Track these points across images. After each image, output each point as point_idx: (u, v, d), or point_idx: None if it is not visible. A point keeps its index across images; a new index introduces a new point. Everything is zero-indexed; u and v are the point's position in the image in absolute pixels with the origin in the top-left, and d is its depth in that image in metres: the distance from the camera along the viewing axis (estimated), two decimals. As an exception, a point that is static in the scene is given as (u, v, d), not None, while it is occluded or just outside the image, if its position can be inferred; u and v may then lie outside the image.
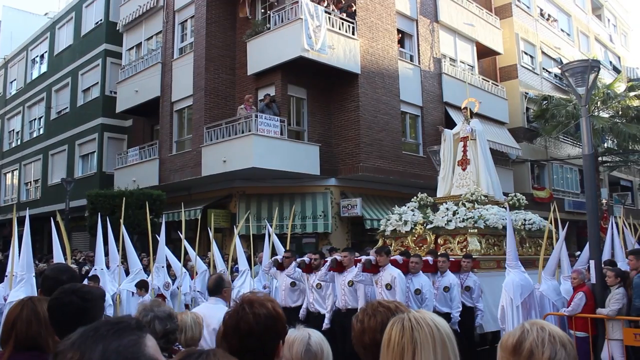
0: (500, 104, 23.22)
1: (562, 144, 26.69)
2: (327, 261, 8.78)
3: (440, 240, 10.48)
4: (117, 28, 22.35)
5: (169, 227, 16.20)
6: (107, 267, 10.80)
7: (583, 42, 30.94)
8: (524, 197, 11.98)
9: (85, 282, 9.09)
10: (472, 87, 21.88)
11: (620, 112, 23.76)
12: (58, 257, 8.80)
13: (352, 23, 17.59)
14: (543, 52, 27.05)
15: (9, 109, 31.09)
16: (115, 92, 22.07)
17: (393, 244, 10.99)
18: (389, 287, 7.85)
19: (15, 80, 31.42)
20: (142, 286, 9.37)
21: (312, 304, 8.99)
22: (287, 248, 10.76)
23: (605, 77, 25.69)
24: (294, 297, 9.40)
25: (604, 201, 21.41)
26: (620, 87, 24.58)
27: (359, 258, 8.60)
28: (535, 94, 25.12)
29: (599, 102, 23.10)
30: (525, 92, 25.04)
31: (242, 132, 15.86)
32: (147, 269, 11.54)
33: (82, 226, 20.56)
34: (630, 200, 31.26)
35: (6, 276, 8.41)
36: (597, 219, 8.37)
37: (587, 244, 9.00)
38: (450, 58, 21.72)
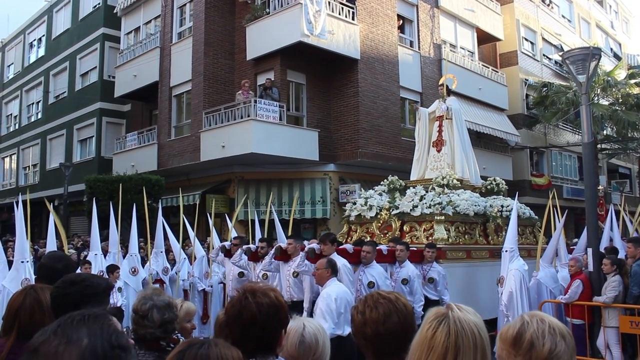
0: (500, 91, 23.17)
1: (562, 131, 26.67)
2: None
3: (406, 227, 9.59)
4: (115, 12, 22.18)
5: (167, 212, 16.25)
6: (107, 251, 10.84)
7: (584, 28, 30.79)
8: (503, 182, 11.02)
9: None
10: (472, 73, 21.84)
11: (620, 100, 23.72)
12: (51, 243, 8.75)
13: (352, 8, 17.48)
14: (544, 39, 26.92)
15: (7, 92, 30.96)
16: (113, 77, 21.96)
17: (358, 230, 10.19)
18: None
19: (12, 64, 31.26)
20: (113, 270, 9.13)
21: None
22: (290, 234, 10.66)
23: (606, 64, 25.60)
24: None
25: (600, 188, 21.45)
26: (621, 75, 24.51)
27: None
28: (535, 81, 25.04)
29: (599, 90, 23.05)
30: (525, 79, 24.97)
31: (241, 118, 15.82)
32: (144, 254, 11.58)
33: (80, 211, 20.58)
34: (629, 187, 31.31)
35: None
36: (595, 207, 8.40)
37: (583, 231, 9.05)
38: (450, 44, 21.61)
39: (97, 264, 9.39)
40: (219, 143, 16.14)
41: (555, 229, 9.61)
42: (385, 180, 10.60)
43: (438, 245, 8.68)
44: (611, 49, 33.25)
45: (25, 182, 27.70)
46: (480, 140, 21.89)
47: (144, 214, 10.83)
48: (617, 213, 11.13)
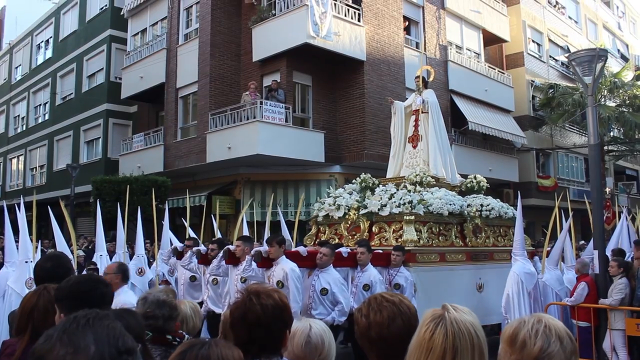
0: (506, 92, 23.13)
1: (568, 132, 26.58)
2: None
3: (375, 228, 8.80)
4: (122, 13, 22.27)
5: (174, 213, 16.30)
6: (113, 252, 10.90)
7: (591, 29, 30.69)
8: (484, 180, 10.14)
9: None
10: (478, 75, 21.82)
11: (627, 101, 23.63)
12: (60, 244, 8.80)
13: (358, 10, 17.50)
14: (550, 40, 26.84)
15: (15, 94, 31.11)
16: (120, 78, 22.06)
17: (327, 232, 9.44)
18: (280, 284, 6.47)
19: (20, 65, 31.41)
20: None
21: (206, 301, 7.72)
22: (295, 235, 10.61)
23: (613, 65, 25.52)
24: (194, 292, 8.31)
25: (607, 190, 21.36)
26: (628, 76, 24.39)
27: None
28: (542, 82, 24.96)
29: (605, 91, 22.97)
30: (532, 80, 24.91)
31: (247, 119, 15.86)
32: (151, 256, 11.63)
33: (87, 212, 20.67)
34: (636, 189, 31.15)
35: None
36: (601, 210, 8.39)
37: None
38: (456, 45, 21.60)
39: (103, 265, 9.43)
40: (225, 144, 16.19)
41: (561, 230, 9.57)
42: (357, 178, 9.81)
43: (407, 248, 7.93)
44: (618, 50, 33.11)
45: (32, 183, 27.84)
46: (486, 141, 21.87)
47: (151, 215, 10.87)
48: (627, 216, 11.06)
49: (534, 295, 8.07)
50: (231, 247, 7.32)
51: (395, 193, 8.69)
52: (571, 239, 9.91)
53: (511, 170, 22.47)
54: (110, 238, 12.92)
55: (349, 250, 7.57)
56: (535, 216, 22.28)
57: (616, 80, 22.97)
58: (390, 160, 10.59)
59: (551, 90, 23.94)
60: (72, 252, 9.22)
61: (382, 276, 7.55)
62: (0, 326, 6.85)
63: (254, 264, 6.84)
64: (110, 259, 10.35)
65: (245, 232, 10.95)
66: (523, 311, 7.64)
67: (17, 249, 7.92)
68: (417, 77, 10.55)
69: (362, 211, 8.83)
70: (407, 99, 18.83)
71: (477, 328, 1.77)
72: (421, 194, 8.68)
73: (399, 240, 8.25)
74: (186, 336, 3.33)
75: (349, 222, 9.03)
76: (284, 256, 6.75)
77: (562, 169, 26.19)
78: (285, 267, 6.58)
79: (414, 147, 10.15)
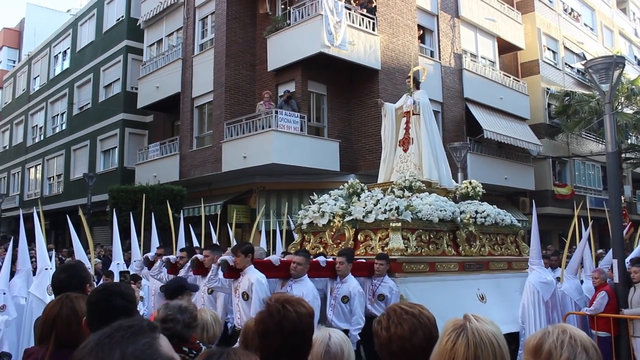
0: (521, 100, 23.01)
1: (585, 140, 26.36)
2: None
3: (360, 236, 8.21)
4: (138, 24, 22.51)
5: (189, 222, 16.37)
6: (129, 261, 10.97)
7: (607, 36, 30.47)
8: (480, 185, 9.50)
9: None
10: (493, 83, 21.74)
11: (644, 108, 23.41)
12: (79, 252, 8.91)
13: (373, 19, 17.54)
14: (565, 47, 26.68)
15: (33, 104, 31.54)
16: (136, 88, 22.26)
17: (312, 240, 8.89)
18: (245, 296, 6.09)
19: (38, 76, 31.85)
20: (136, 280, 9.00)
21: None
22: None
23: (630, 72, 25.29)
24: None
25: (622, 198, 21.11)
26: (645, 83, 24.15)
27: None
28: (557, 90, 24.80)
29: (622, 98, 22.76)
30: (547, 88, 24.75)
31: (262, 128, 15.92)
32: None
33: (103, 221, 20.83)
34: (654, 197, 30.76)
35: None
36: (620, 218, 8.27)
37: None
38: (471, 54, 21.55)
39: (119, 273, 9.52)
40: (240, 153, 16.25)
41: (580, 239, 9.47)
42: (344, 184, 9.26)
43: (393, 257, 7.41)
44: (635, 57, 32.82)
45: (49, 192, 28.14)
46: (502, 150, 21.74)
47: (167, 224, 10.94)
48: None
49: (553, 304, 7.98)
50: (199, 257, 6.92)
51: (381, 199, 8.17)
52: (590, 248, 9.79)
53: (527, 179, 22.30)
54: (126, 247, 13.02)
55: (326, 260, 7.11)
56: (552, 225, 22.08)
57: (633, 87, 22.77)
58: (380, 165, 9.99)
59: (567, 98, 23.77)
60: (89, 260, 9.30)
61: (365, 287, 7.12)
62: (21, 332, 6.99)
63: (220, 274, 6.43)
64: (127, 267, 10.44)
65: (263, 241, 10.97)
66: (539, 321, 7.57)
67: (32, 257, 8.07)
68: (408, 77, 10.06)
69: (347, 218, 8.26)
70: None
71: (499, 338, 1.76)
72: (409, 200, 8.11)
73: (385, 248, 7.69)
74: (203, 347, 3.33)
75: (334, 230, 8.45)
76: (251, 266, 6.29)
77: (578, 177, 25.94)
78: (251, 278, 6.13)
79: (405, 150, 9.57)
